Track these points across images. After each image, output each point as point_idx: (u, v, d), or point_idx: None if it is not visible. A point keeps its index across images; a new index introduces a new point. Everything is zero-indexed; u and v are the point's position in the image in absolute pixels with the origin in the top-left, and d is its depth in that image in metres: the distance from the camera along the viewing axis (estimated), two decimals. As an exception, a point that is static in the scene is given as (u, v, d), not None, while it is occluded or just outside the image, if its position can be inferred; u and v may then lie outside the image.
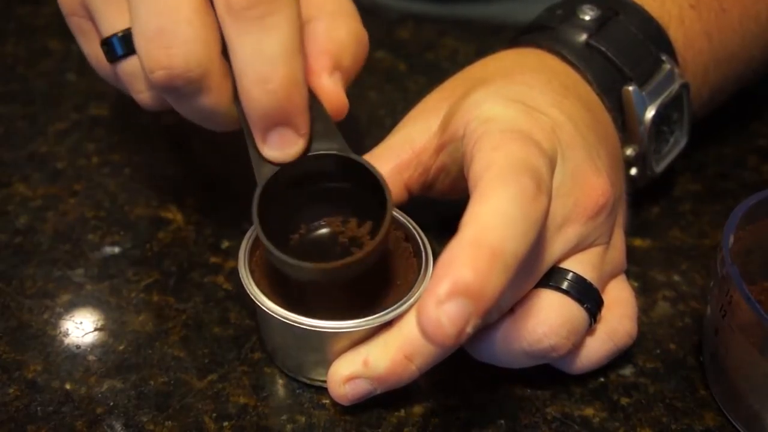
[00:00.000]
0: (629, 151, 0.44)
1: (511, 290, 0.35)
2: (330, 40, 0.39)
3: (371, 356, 0.36)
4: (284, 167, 0.36)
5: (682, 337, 0.42)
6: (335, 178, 0.38)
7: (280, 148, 0.36)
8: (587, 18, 0.44)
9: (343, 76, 0.39)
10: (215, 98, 0.36)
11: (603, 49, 0.43)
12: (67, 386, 0.39)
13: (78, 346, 0.40)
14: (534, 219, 0.32)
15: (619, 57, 0.43)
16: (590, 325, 0.37)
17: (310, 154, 0.37)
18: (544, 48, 0.43)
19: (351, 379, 0.36)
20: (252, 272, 0.37)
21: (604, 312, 0.38)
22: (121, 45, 0.38)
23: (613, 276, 0.40)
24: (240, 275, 0.37)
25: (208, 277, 0.44)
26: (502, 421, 0.38)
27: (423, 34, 0.63)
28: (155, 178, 0.50)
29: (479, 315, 0.30)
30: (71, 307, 0.42)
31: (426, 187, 0.42)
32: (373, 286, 0.38)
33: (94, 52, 0.41)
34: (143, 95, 0.39)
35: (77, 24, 0.40)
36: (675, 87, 0.44)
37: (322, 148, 0.37)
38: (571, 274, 0.37)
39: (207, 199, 0.48)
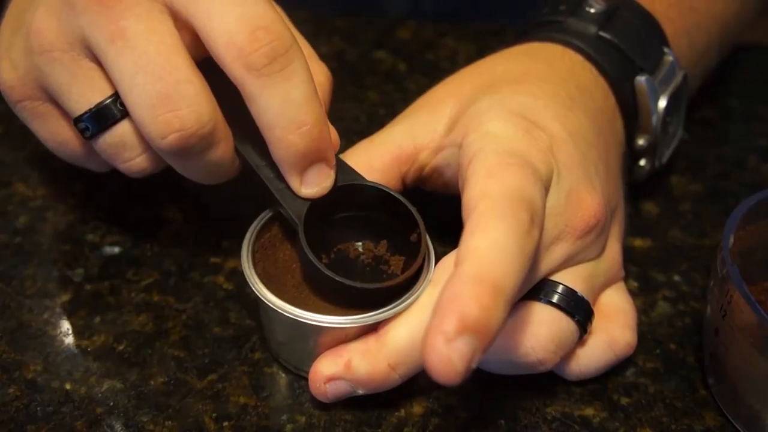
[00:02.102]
0: (641, 141, 0.44)
1: None
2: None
3: (354, 361, 0.36)
4: (313, 202, 0.38)
5: (682, 337, 0.42)
6: (353, 204, 0.39)
7: (318, 183, 0.38)
8: (593, 11, 0.44)
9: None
10: (223, 149, 0.37)
11: (615, 40, 0.43)
12: (67, 386, 0.39)
13: (78, 346, 0.40)
14: (528, 252, 0.32)
15: (630, 48, 0.43)
16: (580, 336, 0.38)
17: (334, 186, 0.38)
18: (559, 42, 0.43)
19: (332, 379, 0.36)
20: (255, 268, 0.38)
21: (605, 321, 0.38)
22: (99, 119, 0.37)
23: (607, 286, 0.40)
24: (243, 269, 0.37)
25: (208, 277, 0.44)
26: (502, 421, 0.38)
27: (423, 34, 0.63)
28: (155, 178, 0.49)
29: (483, 350, 0.30)
30: (71, 307, 0.42)
31: (420, 181, 0.42)
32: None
33: (53, 134, 0.40)
34: (131, 163, 0.38)
35: (31, 109, 0.39)
36: (679, 78, 0.45)
37: (339, 179, 0.39)
38: (561, 287, 0.37)
39: (207, 199, 0.48)
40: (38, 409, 0.37)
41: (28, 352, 0.40)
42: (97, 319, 0.42)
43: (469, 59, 0.45)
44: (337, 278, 0.36)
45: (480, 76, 0.42)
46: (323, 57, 0.43)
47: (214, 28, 0.35)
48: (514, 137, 0.36)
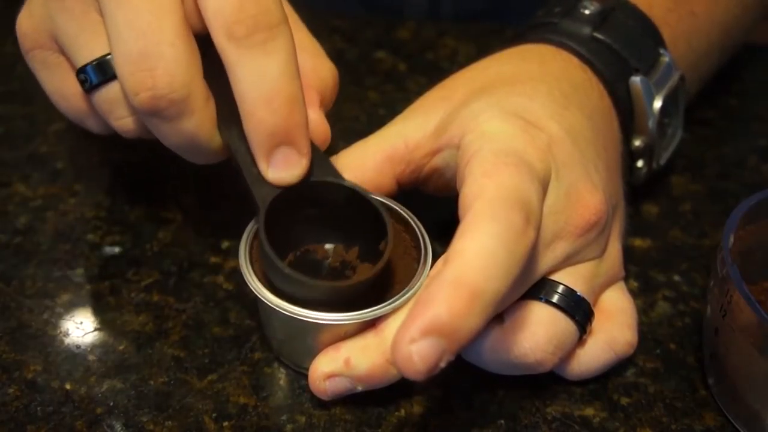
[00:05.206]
0: (638, 143, 0.44)
1: None
2: (316, 77, 0.40)
3: (353, 357, 0.36)
4: (282, 192, 0.37)
5: (682, 337, 0.42)
6: (328, 204, 0.39)
7: (285, 168, 0.37)
8: (587, 12, 0.44)
9: (324, 111, 0.41)
10: (197, 121, 0.36)
11: (609, 41, 0.43)
12: (67, 386, 0.39)
13: (78, 346, 0.40)
14: (520, 255, 0.32)
15: (624, 49, 0.43)
16: (580, 337, 0.38)
17: (308, 180, 0.38)
18: (553, 43, 0.43)
19: (331, 376, 0.36)
20: (253, 267, 0.38)
21: (604, 321, 0.38)
22: (98, 72, 0.37)
23: (607, 286, 0.40)
24: (241, 269, 0.37)
25: (208, 277, 0.44)
26: (502, 421, 0.38)
27: (423, 34, 0.63)
28: (155, 178, 0.50)
29: (453, 352, 0.30)
30: (71, 307, 0.42)
31: (418, 183, 0.42)
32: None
33: (57, 86, 0.40)
34: (123, 121, 0.38)
35: (41, 58, 0.40)
36: (675, 78, 0.45)
37: (317, 175, 0.38)
38: (561, 287, 0.37)
39: (207, 199, 0.48)
40: (38, 409, 0.37)
41: (28, 352, 0.40)
42: (97, 319, 0.42)
43: (469, 59, 0.45)
44: (280, 265, 0.35)
45: (472, 80, 0.42)
46: (323, 57, 0.43)
47: None
48: (511, 136, 0.36)
